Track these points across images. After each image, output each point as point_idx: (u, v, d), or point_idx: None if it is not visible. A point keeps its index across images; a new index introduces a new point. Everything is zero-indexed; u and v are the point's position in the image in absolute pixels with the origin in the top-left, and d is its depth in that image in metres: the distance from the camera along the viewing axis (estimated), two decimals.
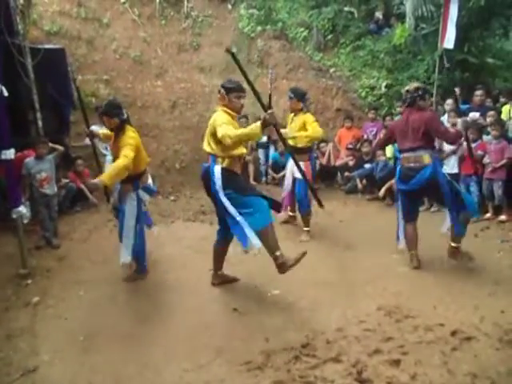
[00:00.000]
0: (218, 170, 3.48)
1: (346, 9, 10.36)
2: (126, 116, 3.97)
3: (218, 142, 3.42)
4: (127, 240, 4.01)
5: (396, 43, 9.03)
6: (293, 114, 5.36)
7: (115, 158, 3.93)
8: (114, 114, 3.87)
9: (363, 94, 9.08)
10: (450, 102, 6.63)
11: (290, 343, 2.96)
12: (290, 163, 5.25)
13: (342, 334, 3.07)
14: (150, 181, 4.38)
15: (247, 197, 3.48)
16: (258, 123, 3.19)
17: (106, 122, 4.03)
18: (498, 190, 5.54)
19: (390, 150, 7.34)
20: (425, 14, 8.27)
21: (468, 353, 2.80)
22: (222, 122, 3.38)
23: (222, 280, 3.96)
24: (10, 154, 4.06)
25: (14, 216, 4.15)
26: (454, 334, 3.00)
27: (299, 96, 5.24)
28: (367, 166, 7.36)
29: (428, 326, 3.11)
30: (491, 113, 6.00)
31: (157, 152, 8.36)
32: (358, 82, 9.36)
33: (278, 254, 3.39)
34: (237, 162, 3.63)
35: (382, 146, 5.57)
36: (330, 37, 10.19)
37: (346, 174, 7.66)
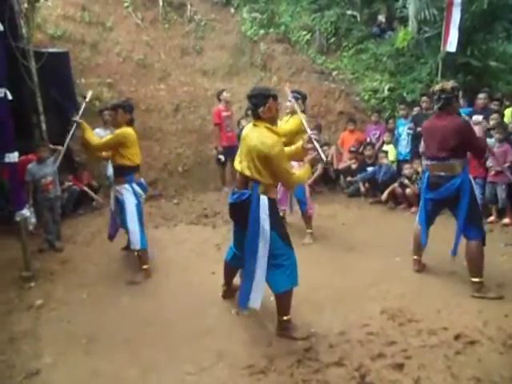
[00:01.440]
0: (264, 200, 2.96)
1: (349, 12, 10.36)
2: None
3: (269, 170, 2.94)
4: (133, 225, 4.21)
5: (399, 46, 9.04)
6: (289, 116, 5.30)
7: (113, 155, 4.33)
8: (129, 110, 4.30)
9: (366, 97, 9.08)
10: None
11: (293, 347, 2.96)
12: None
13: (345, 337, 3.06)
14: (142, 180, 4.55)
15: (286, 247, 3.05)
16: (307, 165, 3.23)
17: (118, 115, 4.26)
18: (501, 193, 5.52)
19: (392, 154, 7.34)
20: (427, 18, 8.28)
21: (472, 357, 2.79)
22: (283, 155, 2.96)
23: (234, 293, 3.68)
24: (13, 157, 4.07)
25: (18, 219, 4.16)
26: (457, 337, 3.00)
27: (303, 97, 5.33)
28: (370, 169, 7.35)
29: (431, 330, 3.10)
30: (494, 116, 5.98)
31: (160, 155, 8.38)
32: (361, 85, 9.36)
33: (286, 318, 3.10)
34: (275, 190, 3.20)
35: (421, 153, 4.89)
36: (332, 40, 10.19)
37: (349, 178, 7.65)
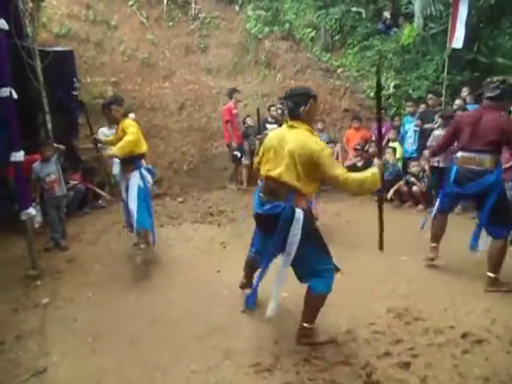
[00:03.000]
0: (300, 213, 2.71)
1: (354, 9, 10.32)
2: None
3: (312, 175, 2.70)
4: (133, 205, 4.38)
5: (404, 43, 8.99)
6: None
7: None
8: (121, 103, 4.52)
9: (371, 94, 9.03)
10: (458, 102, 6.58)
11: (299, 346, 2.95)
12: None
13: (351, 336, 3.05)
14: (150, 166, 4.85)
15: (323, 259, 2.87)
16: (376, 171, 2.70)
17: (113, 111, 4.47)
18: (508, 190, 5.46)
19: (398, 151, 7.30)
20: (434, 14, 8.23)
21: (479, 356, 2.77)
22: (330, 155, 2.68)
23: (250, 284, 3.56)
24: (19, 156, 4.08)
25: (24, 218, 4.17)
26: (464, 336, 2.98)
27: None
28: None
29: (438, 329, 3.08)
30: (501, 113, 5.91)
31: (165, 154, 8.39)
32: (366, 82, 9.32)
33: (311, 326, 2.95)
34: (310, 197, 2.98)
35: (448, 144, 4.26)
36: (337, 37, 10.16)
37: None
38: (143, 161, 4.70)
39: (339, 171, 2.63)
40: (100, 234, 5.69)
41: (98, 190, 6.91)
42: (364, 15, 10.26)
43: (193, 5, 10.38)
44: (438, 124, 6.27)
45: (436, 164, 6.25)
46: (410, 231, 5.20)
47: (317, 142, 2.69)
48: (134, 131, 4.37)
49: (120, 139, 4.42)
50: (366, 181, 2.66)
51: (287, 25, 10.34)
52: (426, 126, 6.76)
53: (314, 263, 2.84)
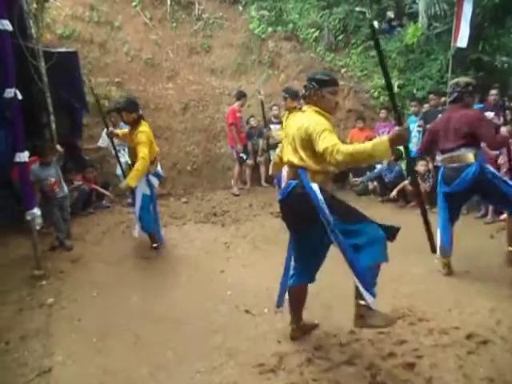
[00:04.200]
0: (316, 187, 2.60)
1: (358, 9, 10.28)
2: (141, 112, 4.64)
3: (313, 152, 2.59)
4: (138, 210, 4.61)
5: (408, 43, 8.96)
6: (287, 113, 5.39)
7: (131, 148, 4.75)
8: (133, 110, 4.51)
9: (375, 94, 9.02)
10: None
11: (303, 346, 2.95)
12: None
13: (355, 336, 3.04)
14: (159, 167, 4.99)
15: (356, 224, 2.61)
16: (385, 138, 2.33)
17: (124, 117, 4.56)
18: None
19: (401, 149, 7.27)
20: (438, 13, 8.21)
21: (484, 356, 2.75)
22: (322, 128, 2.51)
23: (303, 331, 3.11)
24: (24, 156, 4.10)
25: (28, 218, 4.19)
26: (469, 337, 2.96)
27: (293, 95, 5.50)
28: (378, 166, 7.29)
29: (443, 329, 3.07)
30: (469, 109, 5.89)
31: (168, 154, 8.40)
32: (370, 82, 9.29)
33: (363, 303, 2.54)
34: (329, 179, 2.84)
35: (426, 152, 4.83)
36: (341, 37, 10.13)
37: (353, 179, 7.60)
38: (153, 165, 4.78)
39: (328, 143, 2.43)
40: (104, 234, 5.71)
41: (102, 190, 6.93)
42: (368, 15, 10.23)
43: (196, 5, 10.38)
44: None
45: (439, 164, 6.21)
46: (415, 231, 5.17)
47: (314, 119, 2.61)
48: (145, 152, 4.36)
49: (132, 142, 4.54)
50: (365, 149, 2.35)
51: (291, 25, 10.32)
52: (429, 126, 6.73)
53: (347, 233, 2.57)
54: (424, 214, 2.76)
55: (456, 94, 3.80)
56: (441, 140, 3.90)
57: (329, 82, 2.73)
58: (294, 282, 2.94)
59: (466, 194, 3.92)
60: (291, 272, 2.96)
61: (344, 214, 2.62)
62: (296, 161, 2.68)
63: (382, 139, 2.34)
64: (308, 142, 2.59)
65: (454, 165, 3.75)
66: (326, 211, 2.53)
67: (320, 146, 2.47)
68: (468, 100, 3.82)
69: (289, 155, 2.74)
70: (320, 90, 2.70)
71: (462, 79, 3.88)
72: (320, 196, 2.56)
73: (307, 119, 2.64)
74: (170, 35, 9.94)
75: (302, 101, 2.89)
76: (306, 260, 2.89)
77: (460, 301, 3.48)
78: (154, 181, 4.82)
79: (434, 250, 2.91)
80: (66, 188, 5.34)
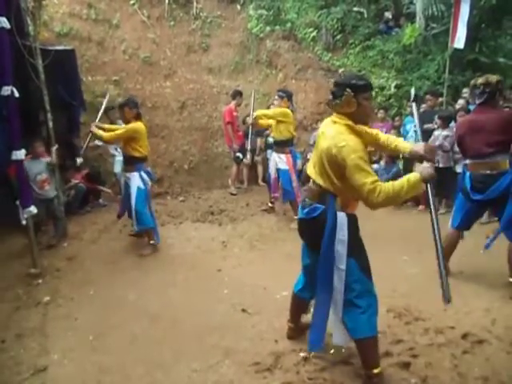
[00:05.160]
0: (343, 217, 2.42)
1: (356, 9, 10.30)
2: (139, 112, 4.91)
3: (344, 180, 2.32)
4: (134, 204, 4.69)
5: (406, 43, 8.98)
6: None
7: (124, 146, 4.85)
8: (134, 106, 4.78)
9: (372, 94, 9.03)
10: (461, 102, 6.56)
11: (300, 345, 2.95)
12: (273, 156, 6.04)
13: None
14: (149, 169, 5.09)
15: (364, 281, 2.46)
16: (418, 176, 2.25)
17: (125, 113, 4.74)
18: None
19: None
20: (435, 14, 8.22)
21: (479, 356, 2.77)
22: (358, 156, 2.24)
23: (301, 331, 3.05)
24: (20, 154, 4.09)
25: (25, 216, 4.18)
26: (465, 336, 2.97)
27: (289, 96, 5.81)
28: (375, 166, 7.31)
29: (438, 329, 3.08)
30: (498, 110, 5.90)
31: (166, 153, 8.40)
32: None
33: (376, 372, 2.45)
34: (356, 204, 2.55)
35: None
36: (339, 37, 10.14)
37: None
38: (145, 164, 4.94)
39: (366, 178, 2.21)
40: (101, 232, 5.70)
41: (101, 187, 6.96)
42: (366, 15, 10.25)
43: (194, 4, 10.36)
44: (437, 125, 6.27)
45: (436, 164, 6.22)
46: (411, 231, 5.20)
47: (345, 139, 2.29)
48: (128, 132, 4.66)
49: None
50: (400, 189, 2.22)
51: (289, 24, 10.32)
52: (426, 126, 6.75)
53: (353, 283, 2.43)
54: (439, 248, 2.28)
55: (487, 95, 3.49)
56: (468, 144, 3.63)
57: (366, 87, 2.43)
58: (302, 295, 2.87)
59: (491, 203, 3.66)
60: (300, 285, 2.87)
61: (362, 263, 2.47)
62: (321, 182, 2.43)
63: (416, 176, 2.25)
64: (340, 168, 2.29)
65: (488, 172, 3.50)
66: (343, 246, 2.39)
67: (357, 179, 2.23)
68: (498, 100, 3.59)
69: (315, 175, 2.48)
70: (356, 98, 2.37)
71: (492, 77, 3.52)
72: (344, 227, 2.40)
73: (339, 138, 2.31)
74: (167, 34, 9.93)
75: (330, 109, 2.56)
76: (307, 268, 2.77)
77: (455, 301, 3.46)
78: (147, 179, 4.89)
79: (448, 300, 2.26)
80: (54, 189, 5.30)
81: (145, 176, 4.84)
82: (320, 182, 2.44)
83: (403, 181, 2.26)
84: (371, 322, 2.44)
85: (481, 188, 3.56)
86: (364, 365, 2.51)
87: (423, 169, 2.29)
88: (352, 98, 2.36)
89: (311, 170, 2.56)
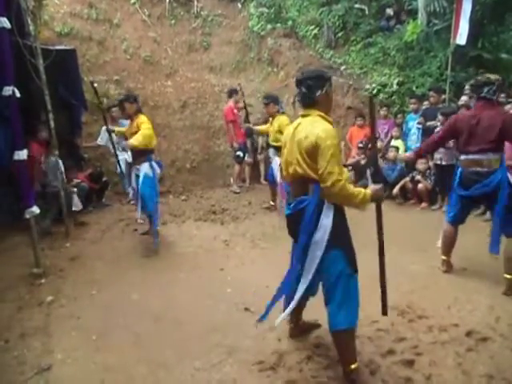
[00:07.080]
0: (328, 208, 2.41)
1: (357, 6, 10.26)
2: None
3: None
4: (144, 189, 4.75)
5: (408, 40, 8.92)
6: (271, 118, 6.10)
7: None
8: (134, 101, 4.83)
9: (374, 91, 9.00)
10: (464, 98, 6.52)
11: (303, 343, 2.95)
12: (275, 160, 5.97)
13: (355, 334, 3.03)
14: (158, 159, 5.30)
15: (348, 274, 2.55)
16: (368, 194, 2.40)
17: (126, 108, 4.82)
18: None
19: (401, 149, 7.27)
20: (437, 10, 8.18)
21: (484, 354, 2.76)
22: (334, 144, 2.32)
23: (303, 330, 3.09)
24: (22, 154, 4.09)
25: (28, 216, 4.18)
26: (469, 334, 2.96)
27: (274, 100, 5.95)
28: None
29: (442, 326, 3.07)
30: (508, 106, 5.88)
31: (167, 152, 8.40)
32: (369, 79, 9.27)
33: (353, 367, 2.49)
34: None
35: (442, 144, 4.50)
36: (340, 34, 10.10)
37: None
38: (153, 155, 5.05)
39: (338, 169, 2.29)
40: (103, 232, 5.71)
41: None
42: (367, 12, 10.21)
43: (195, 2, 10.37)
44: (440, 122, 6.24)
45: (438, 162, 6.21)
46: (414, 229, 5.19)
47: (325, 129, 2.35)
48: (149, 127, 4.74)
49: (134, 133, 4.74)
50: (357, 196, 2.35)
51: (290, 22, 10.30)
52: (429, 123, 6.73)
53: (335, 275, 2.46)
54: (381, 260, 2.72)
55: (489, 92, 3.54)
56: (465, 140, 3.66)
57: (330, 78, 2.54)
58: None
59: (481, 199, 3.77)
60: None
61: (348, 255, 2.58)
62: (303, 171, 2.41)
63: (366, 194, 2.39)
64: (315, 154, 2.34)
65: (479, 169, 3.57)
66: (324, 234, 2.39)
67: (326, 165, 2.27)
68: (498, 98, 3.66)
69: (296, 166, 2.45)
70: (329, 91, 2.51)
71: (494, 75, 3.61)
72: (329, 219, 2.39)
73: (317, 126, 2.38)
74: (168, 33, 9.93)
75: (299, 105, 2.60)
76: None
77: (459, 298, 3.49)
78: (157, 168, 5.00)
79: (384, 312, 2.72)
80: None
81: (155, 165, 4.94)
82: (300, 171, 2.43)
83: (360, 191, 2.39)
84: (348, 315, 2.47)
85: (469, 185, 3.64)
86: (340, 360, 2.55)
87: (376, 190, 2.47)
88: (330, 91, 2.52)
89: (286, 172, 2.59)
